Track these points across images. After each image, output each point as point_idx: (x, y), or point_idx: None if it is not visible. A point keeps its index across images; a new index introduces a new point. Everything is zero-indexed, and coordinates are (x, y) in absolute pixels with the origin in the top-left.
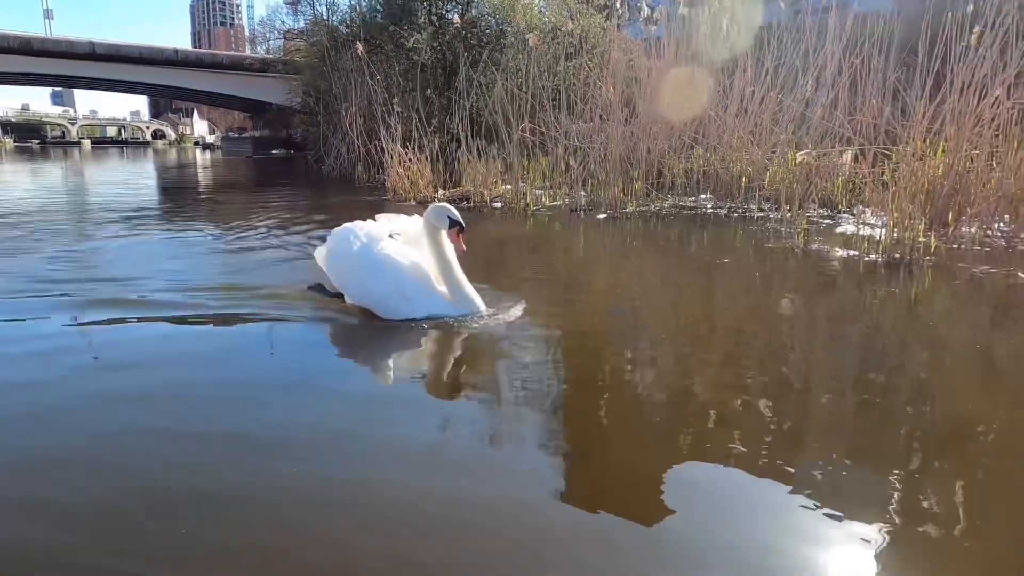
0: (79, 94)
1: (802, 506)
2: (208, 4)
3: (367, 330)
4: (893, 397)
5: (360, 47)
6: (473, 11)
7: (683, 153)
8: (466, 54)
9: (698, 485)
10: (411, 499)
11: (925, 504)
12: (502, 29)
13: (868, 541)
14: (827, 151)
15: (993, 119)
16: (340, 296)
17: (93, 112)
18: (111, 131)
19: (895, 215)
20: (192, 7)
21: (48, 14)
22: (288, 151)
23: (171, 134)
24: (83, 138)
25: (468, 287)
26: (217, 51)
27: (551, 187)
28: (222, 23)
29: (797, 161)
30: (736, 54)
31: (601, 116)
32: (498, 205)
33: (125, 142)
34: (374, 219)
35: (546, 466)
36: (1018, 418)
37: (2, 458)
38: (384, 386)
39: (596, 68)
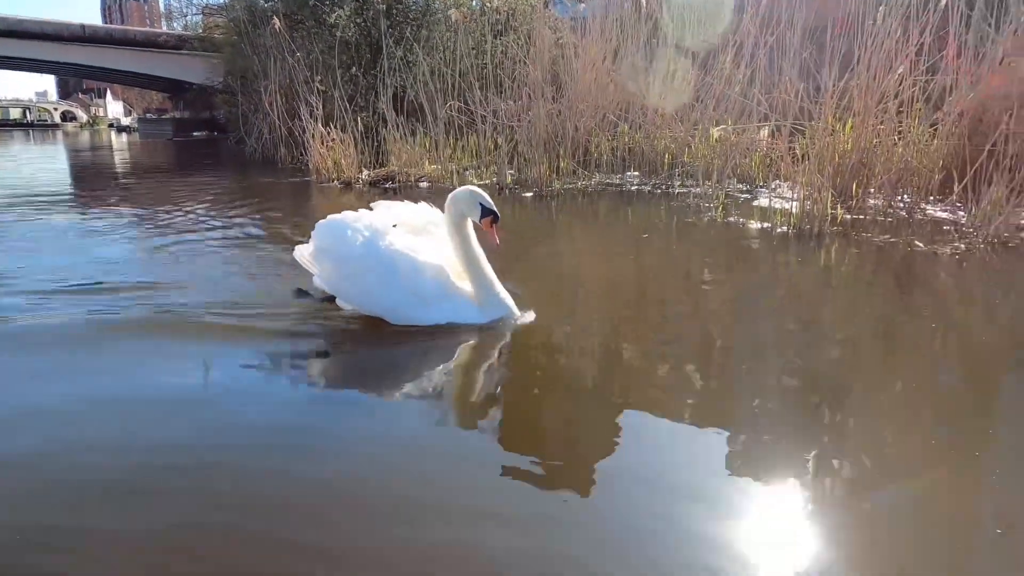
0: None
1: (725, 460)
2: None
3: (377, 347)
4: (800, 356)
5: (278, 22)
6: None
7: (609, 131)
8: (391, 31)
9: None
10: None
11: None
12: (428, 5)
13: (785, 494)
14: (744, 127)
15: (896, 95)
16: (331, 299)
17: None
18: (15, 113)
19: (805, 188)
20: None
21: None
22: (212, 132)
23: (83, 116)
24: None
25: (500, 288)
26: (129, 27)
27: (479, 166)
28: None
29: (715, 137)
30: (662, 32)
31: (529, 95)
32: (424, 185)
33: (31, 125)
34: (368, 208)
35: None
36: (908, 372)
37: None
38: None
39: (523, 46)
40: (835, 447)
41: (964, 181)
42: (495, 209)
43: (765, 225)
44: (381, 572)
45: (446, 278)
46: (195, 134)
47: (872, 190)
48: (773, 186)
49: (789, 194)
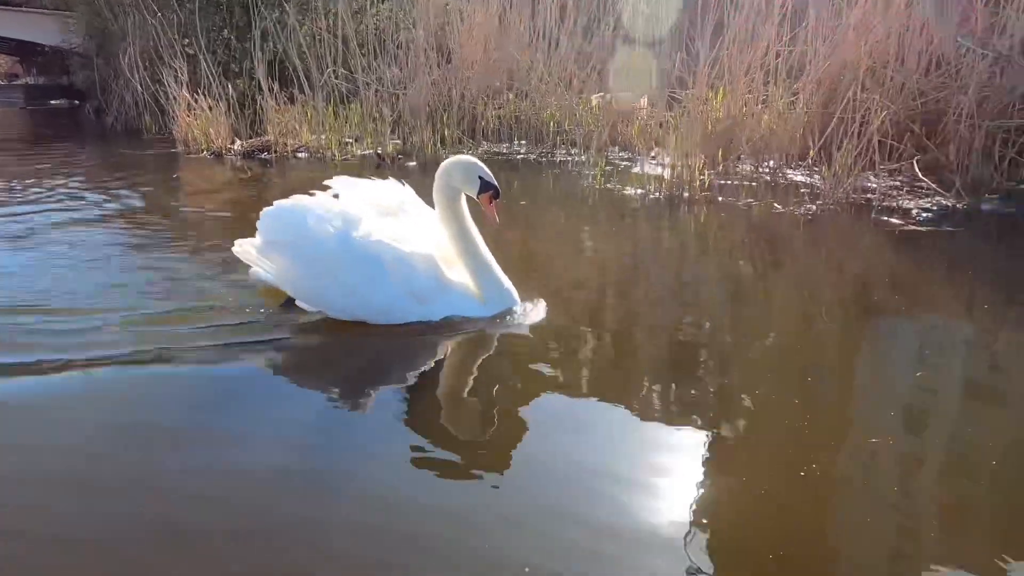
0: None
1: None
2: None
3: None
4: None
5: None
6: None
7: (496, 100)
8: None
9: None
10: None
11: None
12: None
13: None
14: (622, 94)
15: (762, 66)
16: (289, 302)
17: None
18: None
19: (677, 155)
20: None
21: None
22: (71, 101)
23: None
24: None
25: (503, 277)
26: None
27: (361, 135)
28: None
29: (595, 105)
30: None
31: (413, 62)
32: (303, 155)
33: None
34: (323, 189)
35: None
36: (762, 324)
37: None
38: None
39: (408, 11)
40: (712, 400)
41: (817, 147)
42: (495, 183)
43: (639, 191)
44: None
45: (439, 269)
46: (51, 102)
47: (741, 157)
48: (653, 154)
49: (666, 161)
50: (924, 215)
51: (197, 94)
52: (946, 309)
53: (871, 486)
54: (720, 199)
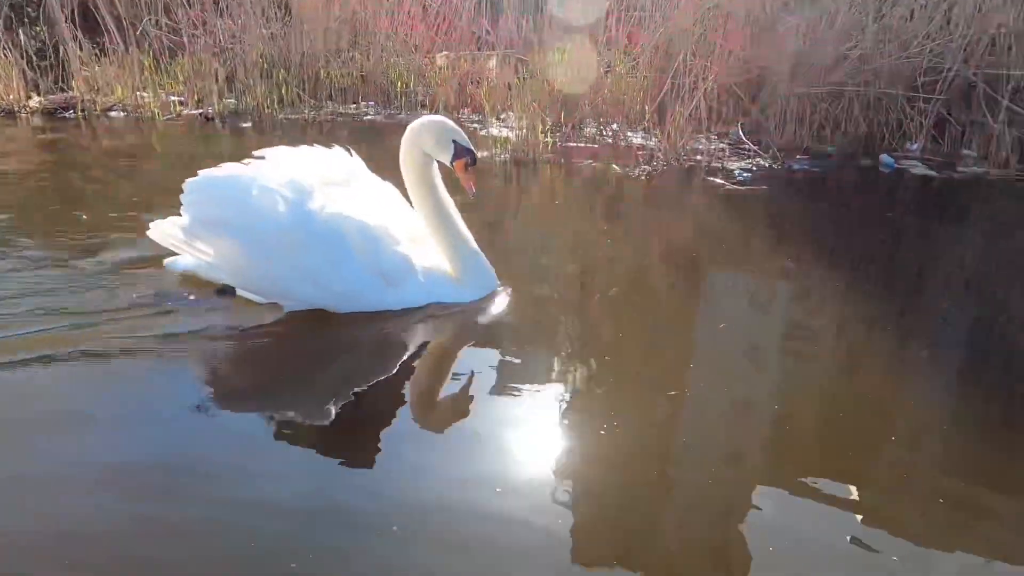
0: None
1: None
2: None
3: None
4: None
5: None
6: None
7: (341, 58)
8: None
9: None
10: None
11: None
12: None
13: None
14: (467, 55)
15: (605, 29)
16: (229, 292)
17: None
18: None
19: (523, 118)
20: None
21: None
22: None
23: None
24: None
25: (481, 256)
26: None
27: (189, 92)
28: None
29: (441, 66)
30: None
31: (249, 13)
32: (116, 114)
33: None
34: (254, 157)
35: None
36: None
37: None
38: None
39: None
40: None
41: (652, 110)
42: (472, 147)
43: (486, 153)
44: None
45: (407, 247)
46: None
47: (585, 120)
48: (503, 117)
49: (514, 123)
50: (745, 175)
51: None
52: (759, 262)
53: (698, 419)
54: (563, 161)
